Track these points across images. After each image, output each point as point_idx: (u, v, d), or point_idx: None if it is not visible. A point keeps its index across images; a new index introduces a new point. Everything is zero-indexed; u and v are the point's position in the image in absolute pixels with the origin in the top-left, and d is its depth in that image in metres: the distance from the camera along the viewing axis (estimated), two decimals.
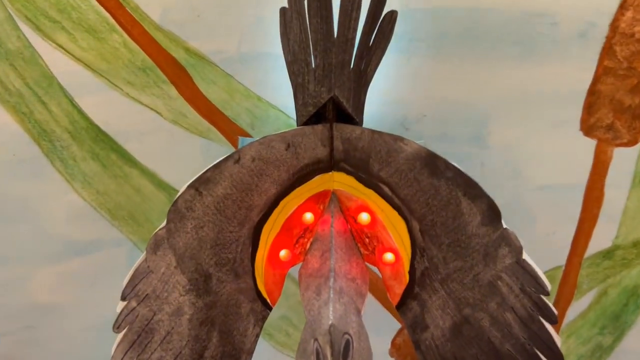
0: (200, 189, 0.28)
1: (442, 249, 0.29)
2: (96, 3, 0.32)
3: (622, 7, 0.31)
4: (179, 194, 0.28)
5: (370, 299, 0.31)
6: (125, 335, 0.29)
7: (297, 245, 0.30)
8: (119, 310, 0.28)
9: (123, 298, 0.28)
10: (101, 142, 0.34)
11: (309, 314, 0.28)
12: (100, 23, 0.32)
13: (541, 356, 0.29)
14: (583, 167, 0.32)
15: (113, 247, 0.35)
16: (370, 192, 0.29)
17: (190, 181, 0.28)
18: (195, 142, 0.34)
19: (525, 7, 0.32)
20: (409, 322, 0.30)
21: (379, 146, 0.28)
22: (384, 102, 0.34)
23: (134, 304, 0.29)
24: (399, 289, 0.30)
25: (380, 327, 0.35)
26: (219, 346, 0.30)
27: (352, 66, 0.30)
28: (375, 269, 0.29)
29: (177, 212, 0.29)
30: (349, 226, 0.30)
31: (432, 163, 0.28)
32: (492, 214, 0.28)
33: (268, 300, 0.30)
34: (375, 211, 0.29)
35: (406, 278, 0.30)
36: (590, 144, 0.32)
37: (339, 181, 0.29)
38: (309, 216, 0.30)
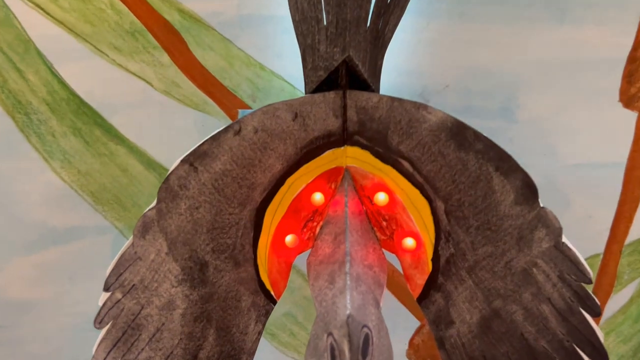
0: (196, 164, 0.25)
1: (470, 232, 0.26)
2: None
3: None
4: (171, 169, 0.25)
5: (385, 293, 0.28)
6: (108, 332, 0.25)
7: (305, 230, 0.27)
8: (101, 302, 0.25)
9: (106, 289, 0.25)
10: (84, 115, 0.31)
11: (321, 305, 0.24)
12: None
13: (582, 354, 0.26)
14: (623, 143, 0.29)
15: (96, 236, 0.31)
16: (389, 168, 0.26)
17: (185, 155, 0.24)
18: (190, 115, 0.30)
19: None
20: (432, 316, 0.26)
21: (399, 116, 0.25)
22: (400, 71, 0.30)
23: (118, 295, 0.25)
24: (420, 279, 0.26)
25: (397, 325, 0.32)
26: (216, 345, 0.26)
27: (368, 24, 0.27)
28: (392, 257, 0.26)
29: (169, 190, 0.25)
30: (364, 208, 0.27)
31: (460, 134, 0.25)
32: (528, 191, 0.25)
33: (272, 293, 0.26)
34: (393, 190, 0.26)
35: (429, 266, 0.26)
36: (630, 116, 0.29)
37: (353, 157, 0.26)
38: (318, 197, 0.26)
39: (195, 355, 0.26)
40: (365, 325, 0.22)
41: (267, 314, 0.26)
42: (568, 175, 0.29)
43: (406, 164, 0.25)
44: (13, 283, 0.31)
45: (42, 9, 0.29)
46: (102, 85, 0.30)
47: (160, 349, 0.26)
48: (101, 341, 0.25)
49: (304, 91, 0.26)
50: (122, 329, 0.25)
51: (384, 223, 0.26)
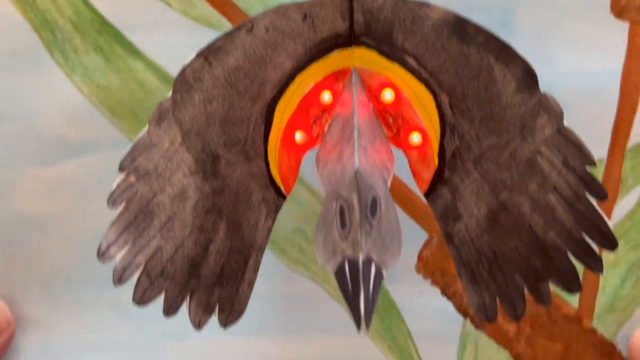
0: (210, 58, 0.26)
1: (475, 124, 0.26)
2: None
3: None
4: (186, 62, 0.26)
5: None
6: (121, 215, 0.25)
7: (314, 127, 0.27)
8: (116, 184, 0.25)
9: (121, 169, 0.25)
10: (106, 33, 0.32)
11: (329, 183, 0.25)
12: None
13: (591, 242, 0.26)
14: (618, 51, 0.30)
15: (111, 149, 0.32)
16: (395, 65, 0.27)
17: (200, 50, 0.26)
18: (205, 34, 0.31)
19: None
20: (439, 211, 0.27)
21: (403, 15, 0.26)
22: None
23: (132, 179, 0.25)
24: (427, 174, 0.27)
25: (405, 241, 0.31)
26: (227, 240, 0.26)
27: None
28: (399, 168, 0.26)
29: (184, 82, 0.26)
30: (371, 105, 0.28)
31: (461, 28, 0.26)
32: (528, 78, 0.26)
33: (282, 188, 0.27)
34: (399, 87, 0.27)
35: (435, 161, 0.27)
36: (623, 27, 0.30)
37: (360, 57, 0.27)
38: (327, 96, 0.27)
39: (205, 248, 0.26)
40: (372, 188, 0.23)
41: (277, 209, 0.27)
42: (567, 83, 0.30)
43: (411, 60, 0.26)
44: (25, 197, 0.32)
45: None
46: (124, 6, 0.32)
47: (171, 239, 0.26)
48: (114, 223, 0.25)
49: None
50: (135, 213, 0.25)
51: (391, 120, 0.27)
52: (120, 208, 0.26)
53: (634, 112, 0.30)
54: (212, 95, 0.26)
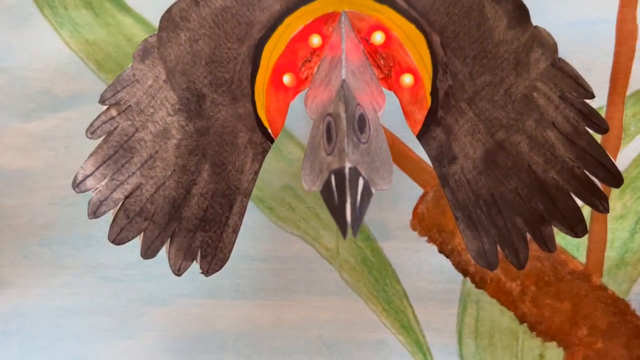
0: None
1: (467, 62, 0.26)
2: None
3: None
4: (174, 2, 0.26)
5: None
6: (99, 147, 0.24)
7: (303, 69, 0.27)
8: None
9: (102, 101, 0.25)
10: None
11: (317, 112, 0.24)
12: None
13: (594, 180, 0.24)
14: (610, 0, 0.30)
15: (96, 104, 0.31)
16: (384, 7, 0.26)
17: None
18: None
19: None
20: (434, 152, 0.25)
21: None
22: None
23: (113, 112, 0.25)
24: (420, 115, 0.26)
25: (399, 196, 0.30)
26: (210, 182, 0.25)
27: None
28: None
29: (170, 20, 0.26)
30: (362, 47, 0.27)
31: None
32: (520, 12, 0.25)
33: (269, 130, 0.26)
34: (390, 27, 0.27)
35: (428, 101, 0.26)
36: None
37: (349, 1, 0.27)
38: (316, 40, 0.27)
39: (188, 190, 0.25)
40: (360, 105, 0.22)
41: (264, 152, 0.26)
42: (562, 34, 0.29)
43: (401, 1, 0.26)
44: (5, 151, 0.31)
45: None
46: None
47: (152, 177, 0.25)
48: (92, 154, 0.24)
49: None
50: (114, 148, 0.24)
51: (382, 61, 0.27)
52: (99, 141, 0.25)
53: (631, 58, 0.29)
54: (198, 34, 0.26)
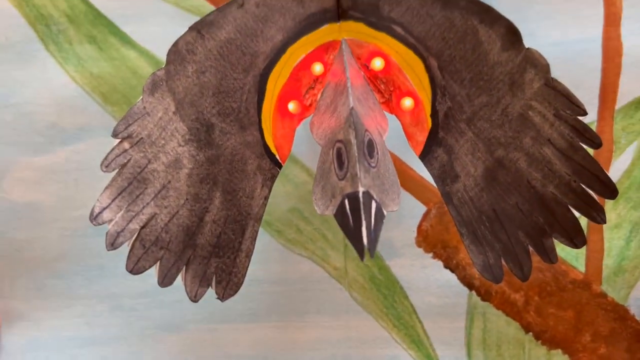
0: (203, 31, 0.27)
1: (465, 84, 0.27)
2: None
3: None
4: (180, 36, 0.26)
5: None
6: (114, 180, 0.25)
7: (306, 96, 0.28)
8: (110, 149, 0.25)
9: (114, 135, 0.25)
10: (99, 25, 0.33)
11: (325, 138, 0.25)
12: None
13: (591, 192, 0.26)
14: (596, 18, 0.31)
15: (104, 136, 0.31)
16: (382, 35, 0.28)
17: (193, 24, 0.27)
18: None
19: None
20: (437, 172, 0.26)
21: None
22: None
23: (126, 145, 0.25)
24: (421, 137, 0.27)
25: (403, 215, 0.31)
26: (222, 209, 0.26)
27: None
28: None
29: (177, 53, 0.27)
30: (363, 73, 0.28)
31: None
32: (513, 36, 0.26)
33: (277, 156, 0.26)
34: (389, 54, 0.28)
35: (428, 123, 0.27)
36: None
37: (348, 30, 0.28)
38: (318, 68, 0.28)
39: (201, 218, 0.26)
40: (368, 131, 0.23)
41: (273, 178, 0.26)
42: (551, 54, 0.31)
43: (398, 29, 0.27)
44: (15, 186, 0.31)
45: None
46: None
47: (165, 207, 0.25)
48: (107, 187, 0.25)
49: None
50: (128, 180, 0.25)
51: (382, 86, 0.28)
52: (113, 174, 0.25)
53: (617, 74, 0.31)
54: (204, 66, 0.27)
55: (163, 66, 0.26)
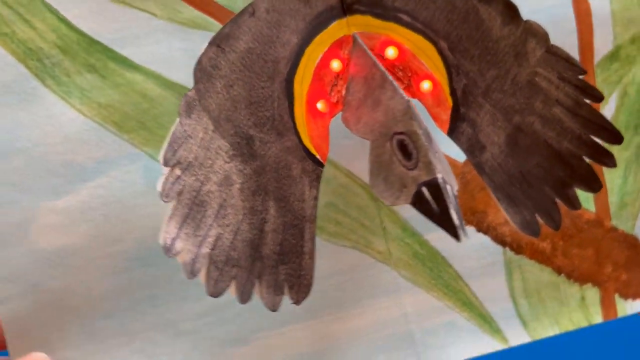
0: (222, 45, 0.27)
1: (475, 61, 0.29)
2: None
3: None
4: (200, 52, 0.26)
5: None
6: (175, 209, 0.25)
7: (332, 94, 0.29)
8: (163, 178, 0.24)
9: (165, 164, 0.25)
10: (95, 52, 0.31)
11: (372, 132, 0.26)
12: None
13: (600, 142, 0.29)
14: None
15: (126, 165, 0.30)
16: (390, 24, 0.29)
17: (210, 39, 0.26)
18: (195, 35, 0.31)
19: None
20: (465, 145, 0.29)
21: None
22: None
23: (178, 172, 0.25)
24: (445, 115, 0.29)
25: None
26: (279, 217, 0.26)
27: None
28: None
29: (203, 70, 0.26)
30: (380, 63, 0.29)
31: None
32: (510, 11, 0.29)
33: (317, 157, 0.27)
34: (400, 42, 0.29)
35: (449, 101, 0.29)
36: None
37: (355, 24, 0.29)
38: (336, 64, 0.29)
39: (261, 229, 0.26)
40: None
41: (319, 178, 0.27)
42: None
43: (405, 17, 0.29)
44: (43, 234, 0.29)
45: None
46: (109, 22, 0.31)
47: (227, 225, 0.25)
48: (171, 217, 0.24)
49: None
50: (188, 205, 0.25)
51: (400, 73, 0.29)
52: (173, 203, 0.25)
53: (591, 33, 0.34)
54: (231, 79, 0.27)
55: (192, 86, 0.26)
